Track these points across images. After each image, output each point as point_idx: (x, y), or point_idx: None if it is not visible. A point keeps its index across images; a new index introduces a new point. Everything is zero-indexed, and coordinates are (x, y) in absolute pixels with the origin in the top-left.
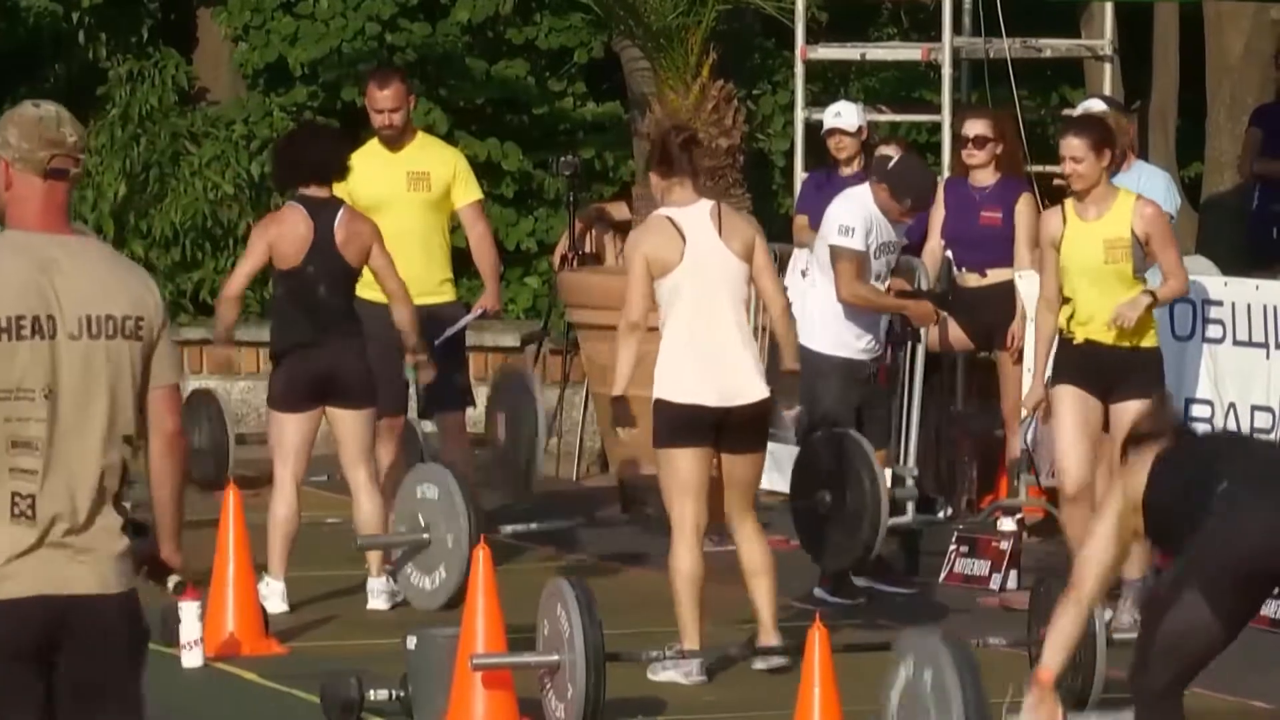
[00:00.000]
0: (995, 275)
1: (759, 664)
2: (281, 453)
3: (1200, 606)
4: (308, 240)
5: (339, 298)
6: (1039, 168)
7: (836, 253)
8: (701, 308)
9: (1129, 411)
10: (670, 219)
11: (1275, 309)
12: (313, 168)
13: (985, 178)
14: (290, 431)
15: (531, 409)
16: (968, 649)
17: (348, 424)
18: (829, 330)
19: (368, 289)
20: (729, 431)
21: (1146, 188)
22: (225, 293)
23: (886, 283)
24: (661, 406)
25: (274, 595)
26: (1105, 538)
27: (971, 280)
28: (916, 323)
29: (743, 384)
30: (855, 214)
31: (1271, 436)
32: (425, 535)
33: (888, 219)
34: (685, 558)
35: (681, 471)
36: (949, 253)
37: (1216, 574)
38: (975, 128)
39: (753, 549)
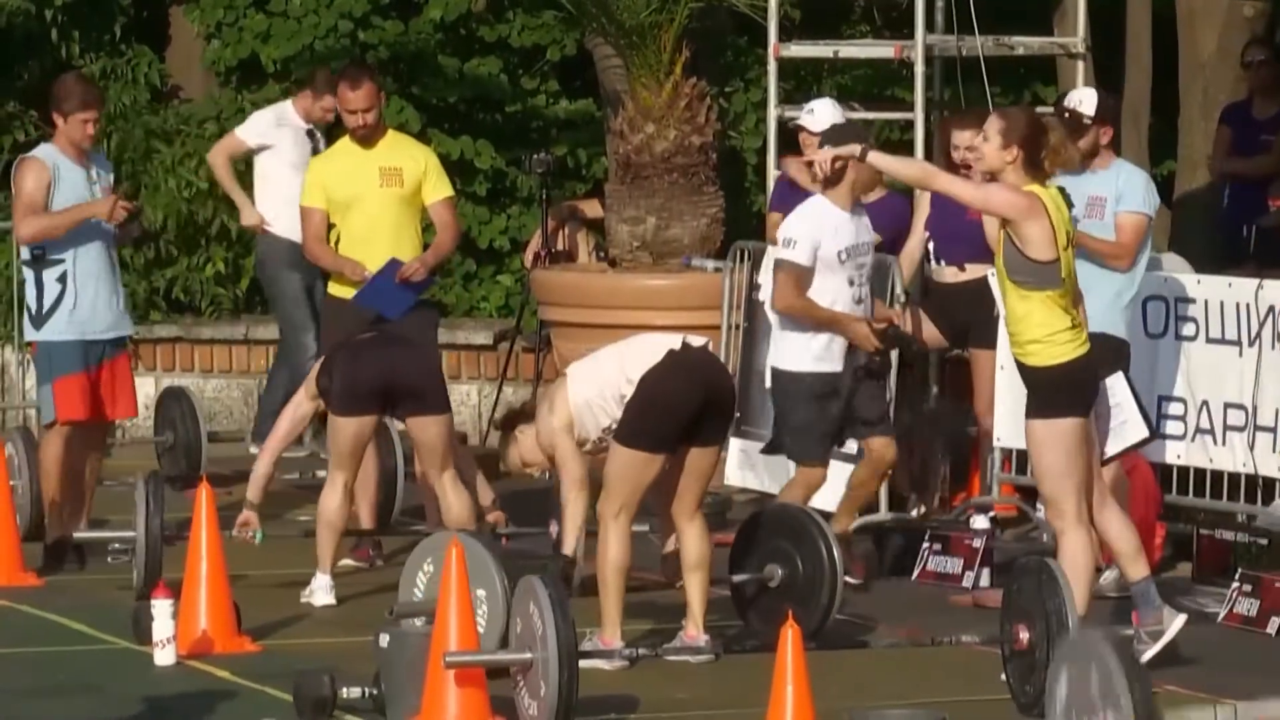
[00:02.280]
0: (973, 271)
1: (686, 658)
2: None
3: None
4: None
5: None
6: None
7: (776, 264)
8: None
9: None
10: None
11: (1247, 306)
12: None
13: (975, 177)
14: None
15: None
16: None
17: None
18: (794, 346)
19: (339, 286)
20: (703, 423)
21: (1125, 187)
22: None
23: (864, 287)
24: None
25: (320, 589)
26: None
27: (949, 275)
28: (854, 343)
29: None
30: (801, 227)
31: (1243, 434)
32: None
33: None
34: (615, 546)
35: (637, 469)
36: (930, 245)
37: None
38: (964, 138)
39: (699, 543)
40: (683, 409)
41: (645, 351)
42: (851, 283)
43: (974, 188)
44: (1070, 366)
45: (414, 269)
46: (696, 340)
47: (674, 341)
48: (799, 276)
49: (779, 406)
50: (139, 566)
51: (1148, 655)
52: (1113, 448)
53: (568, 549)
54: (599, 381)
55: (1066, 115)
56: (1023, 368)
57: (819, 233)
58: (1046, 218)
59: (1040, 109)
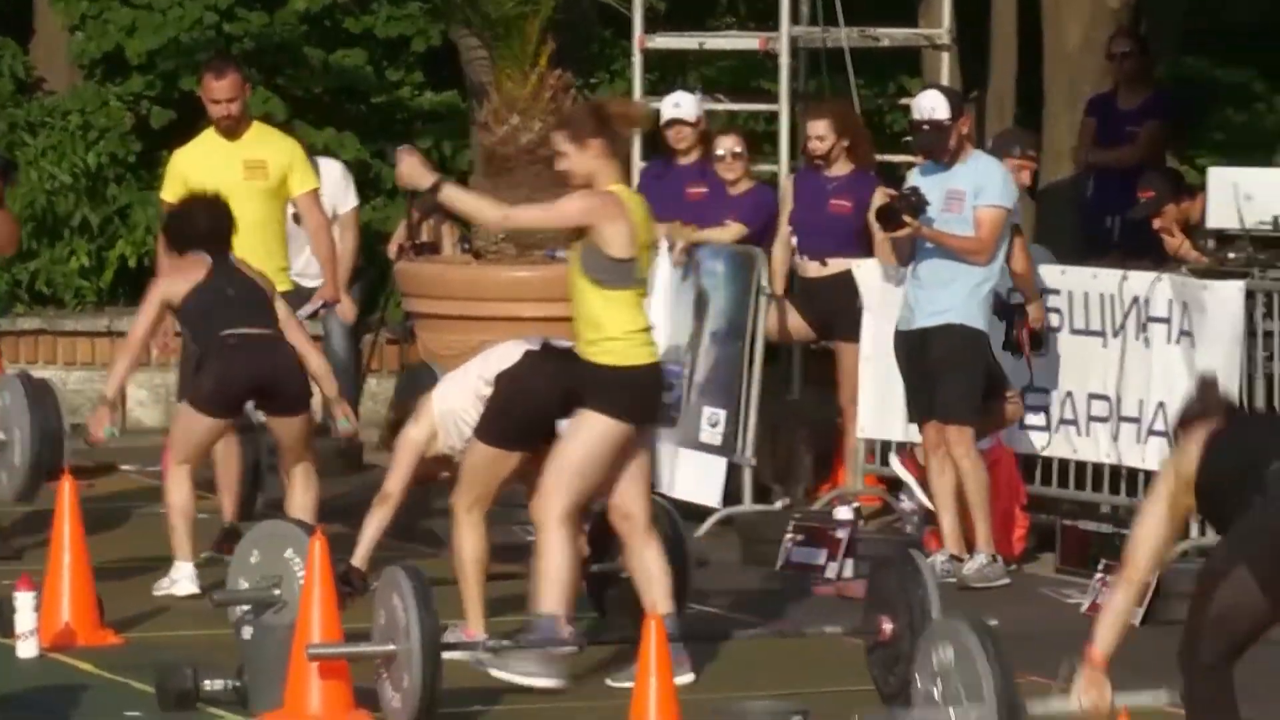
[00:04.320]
0: (835, 265)
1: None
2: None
3: (1248, 583)
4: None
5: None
6: (877, 156)
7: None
8: None
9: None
10: None
11: (1112, 297)
12: (202, 237)
13: (838, 169)
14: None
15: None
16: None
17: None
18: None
19: None
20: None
21: (984, 180)
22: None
23: None
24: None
25: (184, 578)
26: (1157, 517)
27: (812, 269)
28: None
29: None
30: None
31: (1108, 425)
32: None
33: None
34: (470, 539)
35: (491, 464)
36: (794, 240)
37: (1265, 551)
38: (817, 128)
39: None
40: (540, 408)
41: (507, 354)
42: None
43: (544, 210)
44: (642, 372)
45: (335, 298)
46: (560, 342)
47: (535, 343)
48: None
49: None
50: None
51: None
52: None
53: (358, 560)
54: (461, 389)
55: (926, 127)
56: (591, 366)
57: None
58: (624, 217)
59: (903, 100)
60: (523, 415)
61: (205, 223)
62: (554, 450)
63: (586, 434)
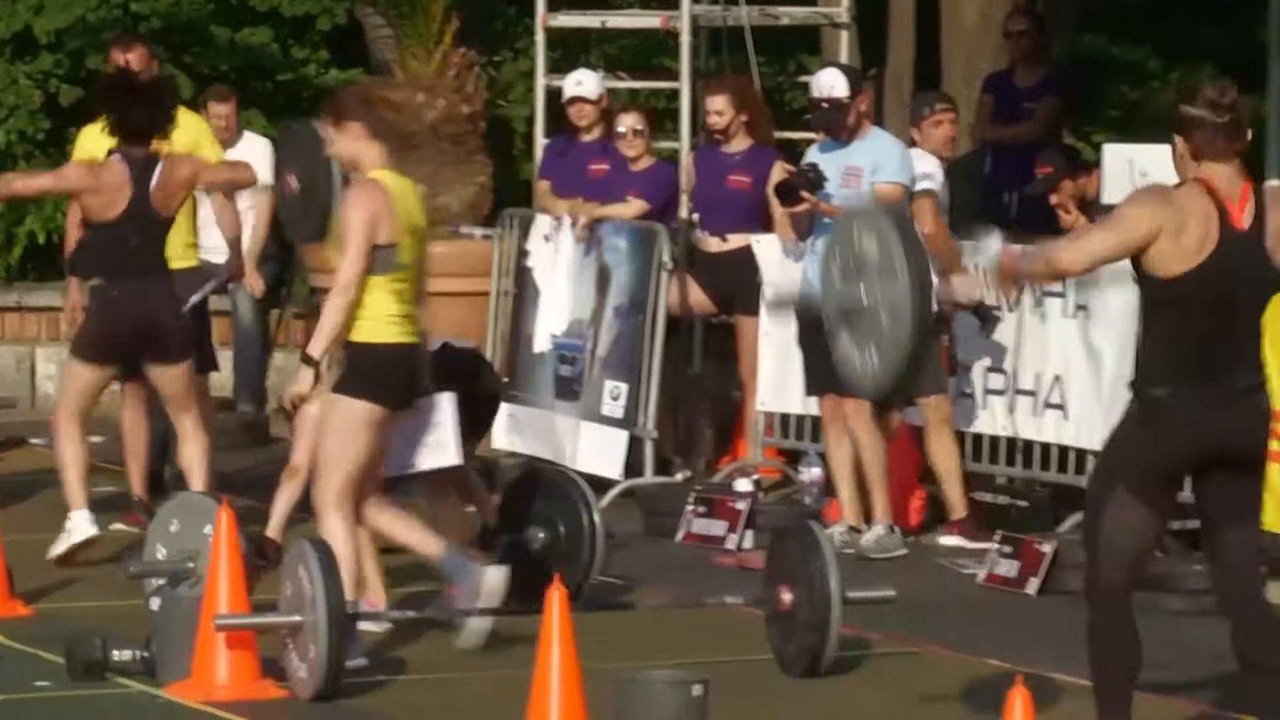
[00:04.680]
0: (736, 240)
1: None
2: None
3: (1129, 500)
4: (126, 196)
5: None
6: (777, 133)
7: (919, 194)
8: None
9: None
10: None
11: None
12: (134, 126)
13: (736, 145)
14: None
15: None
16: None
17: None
18: None
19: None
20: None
21: (882, 157)
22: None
23: None
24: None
25: (82, 521)
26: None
27: (713, 244)
28: (955, 288)
29: None
30: (933, 166)
31: (1004, 398)
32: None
33: None
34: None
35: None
36: (695, 216)
37: (1139, 470)
38: (715, 103)
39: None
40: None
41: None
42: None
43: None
44: (393, 351)
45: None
46: (461, 342)
47: (434, 343)
48: (938, 208)
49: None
50: None
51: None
52: (419, 463)
53: (272, 531)
54: None
55: (825, 105)
56: (346, 344)
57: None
58: (385, 205)
59: (803, 78)
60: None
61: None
62: (319, 440)
63: (335, 420)
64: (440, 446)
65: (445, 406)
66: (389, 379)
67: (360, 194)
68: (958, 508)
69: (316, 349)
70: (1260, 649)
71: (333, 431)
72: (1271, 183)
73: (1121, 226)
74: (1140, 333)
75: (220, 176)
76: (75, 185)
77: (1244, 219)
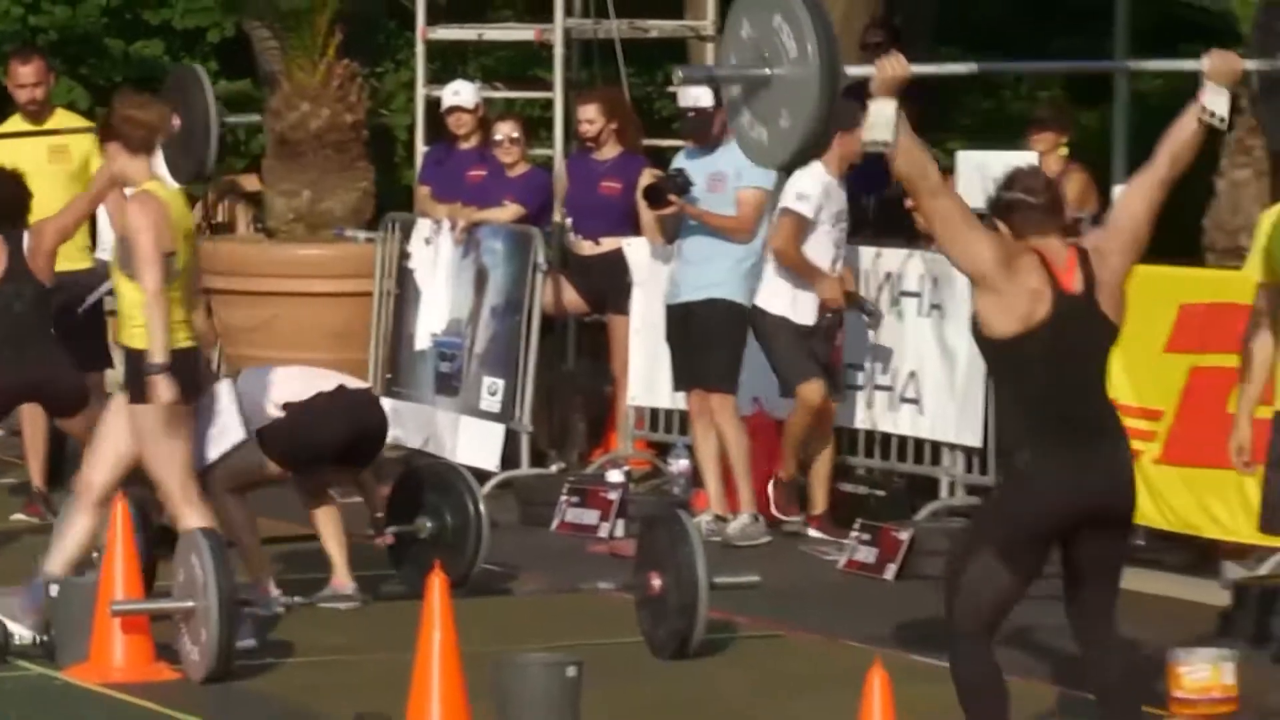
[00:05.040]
0: (607, 243)
1: (336, 605)
2: None
3: (994, 563)
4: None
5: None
6: (646, 141)
7: (783, 211)
8: None
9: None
10: None
11: (867, 273)
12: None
13: (607, 152)
14: None
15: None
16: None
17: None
18: (781, 293)
19: (64, 260)
20: (348, 455)
21: (745, 163)
22: None
23: (841, 252)
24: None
25: None
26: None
27: (585, 247)
28: (824, 298)
29: None
30: (814, 185)
31: (864, 393)
32: None
33: None
34: (236, 510)
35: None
36: (568, 220)
37: (1009, 535)
38: (587, 112)
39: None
40: (318, 445)
41: (303, 387)
42: (837, 245)
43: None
44: (176, 355)
45: None
46: (353, 383)
47: (329, 382)
48: (801, 227)
49: (765, 345)
50: None
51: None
52: (210, 454)
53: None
54: (258, 397)
55: (691, 114)
56: (127, 351)
57: (824, 196)
58: (163, 215)
59: (670, 88)
60: (301, 445)
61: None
62: (145, 457)
63: (145, 429)
64: (226, 430)
65: (222, 394)
66: (177, 381)
67: (139, 207)
68: (818, 502)
69: (160, 355)
70: (1110, 682)
71: (149, 441)
72: (1117, 188)
73: (974, 224)
74: (995, 402)
75: (59, 223)
76: None
77: (1074, 283)
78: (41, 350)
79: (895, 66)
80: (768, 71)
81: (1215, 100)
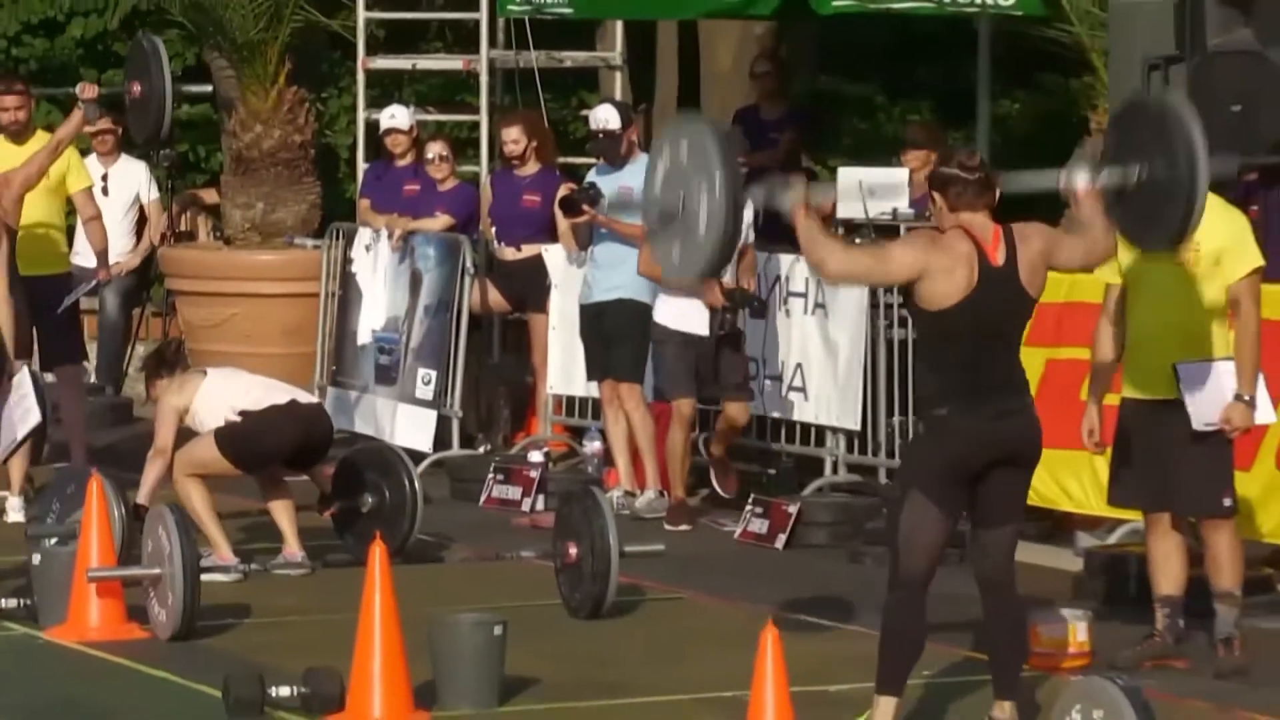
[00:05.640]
0: (528, 250)
1: (288, 571)
2: None
3: (924, 504)
4: None
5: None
6: (562, 158)
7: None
8: None
9: None
10: None
11: (759, 275)
12: None
13: (528, 169)
14: None
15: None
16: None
17: None
18: (669, 308)
19: (35, 265)
20: (296, 458)
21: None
22: None
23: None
24: None
25: (13, 509)
26: None
27: (508, 253)
28: (707, 302)
29: None
30: None
31: (755, 382)
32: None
33: None
34: (196, 491)
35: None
36: (493, 229)
37: (934, 478)
38: (511, 133)
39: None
40: (267, 451)
41: (264, 395)
42: None
43: None
44: None
45: (107, 277)
46: (305, 398)
47: (284, 396)
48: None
49: (654, 353)
50: None
51: None
52: (19, 434)
53: (143, 498)
54: (224, 398)
55: (602, 135)
56: None
57: None
58: None
59: (584, 111)
60: (252, 449)
61: None
62: None
63: None
64: (28, 412)
65: (23, 380)
66: None
67: None
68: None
69: None
70: (1002, 635)
71: None
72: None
73: (888, 263)
74: (918, 362)
75: (25, 173)
76: None
77: (998, 257)
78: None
79: (796, 198)
80: (679, 202)
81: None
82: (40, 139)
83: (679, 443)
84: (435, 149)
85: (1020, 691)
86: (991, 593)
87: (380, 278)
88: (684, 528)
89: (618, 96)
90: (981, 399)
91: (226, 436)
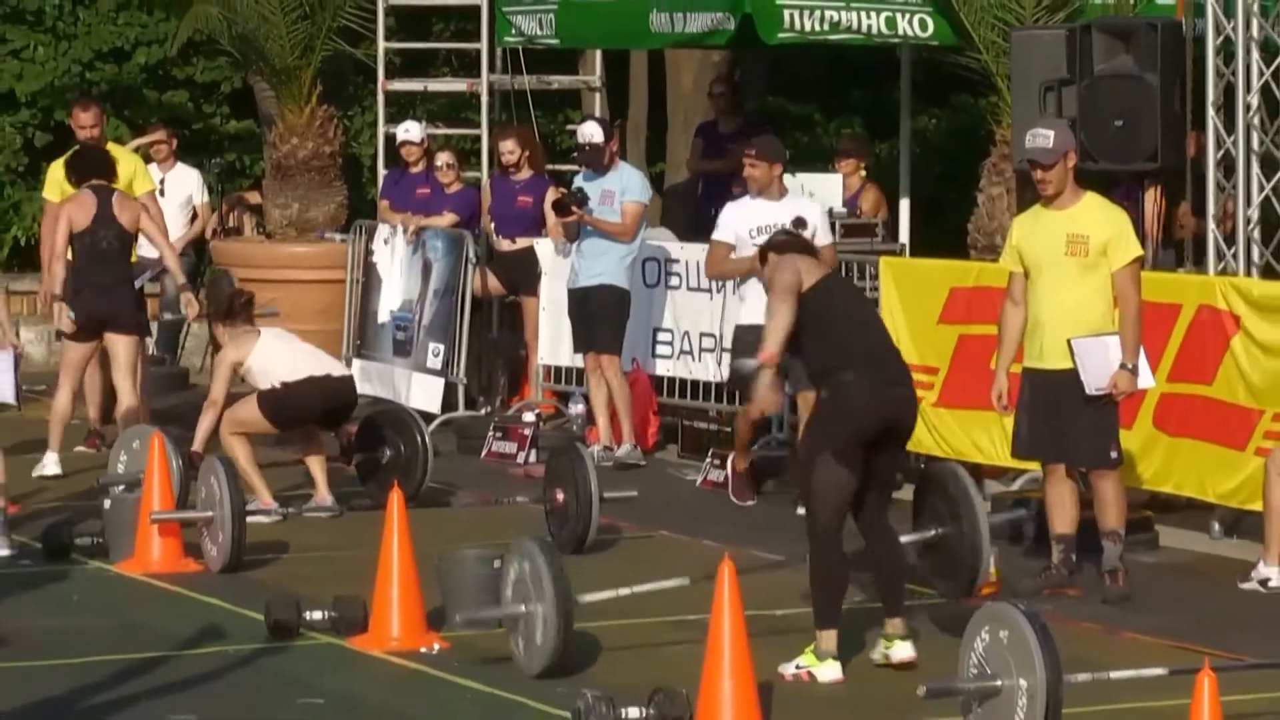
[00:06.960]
0: (522, 243)
1: (320, 514)
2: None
3: (832, 462)
4: (93, 212)
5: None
6: (550, 166)
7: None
8: None
9: None
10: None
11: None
12: (95, 170)
13: (522, 175)
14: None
15: None
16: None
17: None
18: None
19: None
20: (324, 419)
21: (628, 183)
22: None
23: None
24: None
25: (50, 463)
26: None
27: (505, 246)
28: None
29: None
30: (725, 215)
31: (713, 354)
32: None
33: None
34: (240, 449)
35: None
36: (492, 226)
37: (841, 438)
38: (507, 145)
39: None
40: (302, 414)
41: (304, 366)
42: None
43: None
44: None
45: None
46: (339, 370)
47: (321, 369)
48: (719, 250)
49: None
50: None
51: None
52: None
53: (197, 446)
54: (272, 368)
55: (587, 148)
56: None
57: (736, 219)
58: None
59: (570, 126)
60: (286, 413)
61: (97, 162)
62: None
63: None
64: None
65: (3, 359)
66: None
67: None
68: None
69: None
70: (885, 560)
71: None
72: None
73: (789, 294)
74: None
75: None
76: (65, 220)
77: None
78: (119, 283)
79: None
80: (522, 609)
81: None
82: (112, 151)
83: (746, 425)
84: (443, 158)
85: (906, 609)
86: (873, 537)
87: (397, 266)
88: (750, 503)
89: (598, 114)
90: (872, 366)
91: (267, 400)
